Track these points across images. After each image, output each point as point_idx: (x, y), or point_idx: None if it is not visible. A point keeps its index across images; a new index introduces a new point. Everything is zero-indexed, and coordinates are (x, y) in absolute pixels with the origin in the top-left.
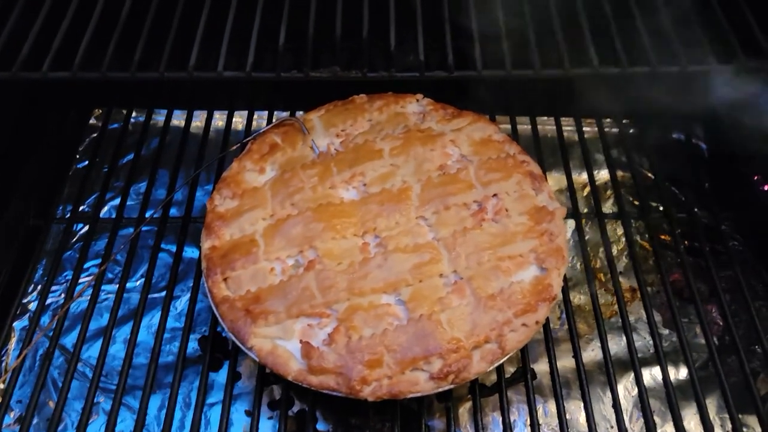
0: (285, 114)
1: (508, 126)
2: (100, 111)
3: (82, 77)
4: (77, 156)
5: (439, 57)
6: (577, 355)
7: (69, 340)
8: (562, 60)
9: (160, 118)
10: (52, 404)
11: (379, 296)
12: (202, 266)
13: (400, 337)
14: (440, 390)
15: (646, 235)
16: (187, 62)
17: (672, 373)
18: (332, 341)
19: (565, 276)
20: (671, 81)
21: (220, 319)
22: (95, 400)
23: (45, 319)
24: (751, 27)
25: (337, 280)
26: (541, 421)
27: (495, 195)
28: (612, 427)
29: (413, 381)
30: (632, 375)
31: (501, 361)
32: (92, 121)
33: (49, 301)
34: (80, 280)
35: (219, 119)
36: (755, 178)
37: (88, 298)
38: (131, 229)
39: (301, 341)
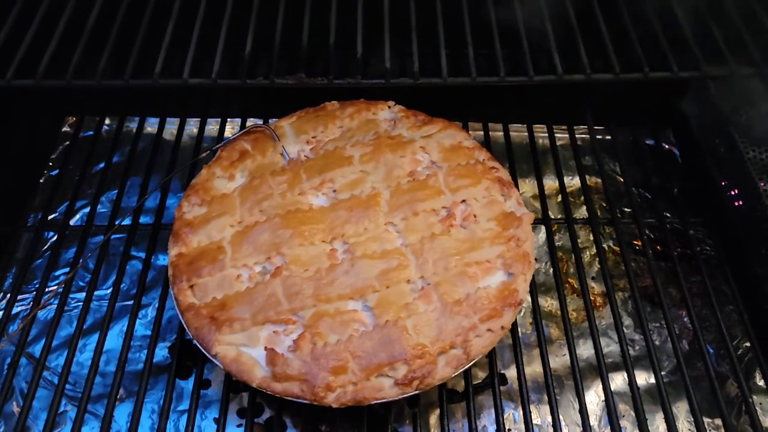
0: (258, 121)
1: (482, 133)
2: (74, 119)
3: (47, 85)
4: (49, 164)
5: (413, 64)
6: (544, 360)
7: (39, 348)
8: (527, 68)
9: (133, 125)
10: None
11: (345, 302)
12: (169, 273)
13: (366, 344)
14: (405, 396)
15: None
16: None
17: (644, 377)
18: (297, 348)
19: (535, 281)
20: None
21: (185, 327)
22: (63, 409)
23: (13, 328)
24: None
25: (304, 287)
26: (512, 427)
27: (463, 201)
28: None
29: (378, 387)
30: None
31: (466, 367)
32: (65, 128)
33: (18, 309)
34: (50, 288)
35: (194, 126)
36: (723, 183)
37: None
38: (102, 237)
39: (266, 348)
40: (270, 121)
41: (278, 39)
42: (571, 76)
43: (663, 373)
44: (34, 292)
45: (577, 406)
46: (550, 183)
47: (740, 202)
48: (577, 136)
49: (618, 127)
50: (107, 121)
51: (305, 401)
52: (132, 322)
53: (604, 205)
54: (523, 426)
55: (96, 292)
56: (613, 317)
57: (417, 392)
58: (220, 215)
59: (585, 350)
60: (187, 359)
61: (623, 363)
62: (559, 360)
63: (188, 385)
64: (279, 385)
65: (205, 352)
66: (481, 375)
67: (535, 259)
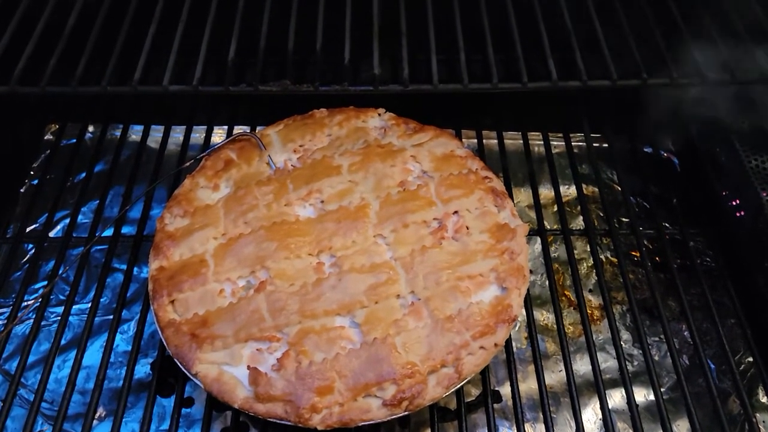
0: (246, 128)
1: (475, 141)
2: (56, 126)
3: (21, 92)
4: (31, 173)
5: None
6: (540, 378)
7: (15, 365)
8: (521, 74)
9: (117, 132)
10: None
11: (332, 319)
12: (149, 288)
13: (353, 362)
14: (393, 417)
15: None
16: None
17: (643, 394)
18: (281, 366)
19: (530, 294)
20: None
21: (165, 344)
22: (39, 429)
23: None
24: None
25: (289, 302)
26: None
27: (456, 212)
28: None
29: (365, 408)
30: None
31: (458, 386)
32: (48, 136)
33: None
34: (27, 302)
35: (180, 134)
36: (723, 193)
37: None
38: (83, 249)
39: (248, 367)
40: (257, 128)
41: (263, 44)
42: (566, 83)
43: (663, 389)
44: (11, 306)
45: (573, 424)
46: (546, 192)
47: (742, 213)
48: (573, 143)
49: (615, 135)
50: (90, 129)
51: (289, 423)
52: (112, 338)
53: (601, 214)
54: None
55: (75, 306)
56: (610, 331)
57: (406, 413)
58: (203, 227)
59: (582, 366)
60: (169, 376)
61: (621, 379)
62: (555, 376)
63: (170, 403)
64: (262, 407)
65: (185, 371)
66: (474, 392)
67: (531, 271)
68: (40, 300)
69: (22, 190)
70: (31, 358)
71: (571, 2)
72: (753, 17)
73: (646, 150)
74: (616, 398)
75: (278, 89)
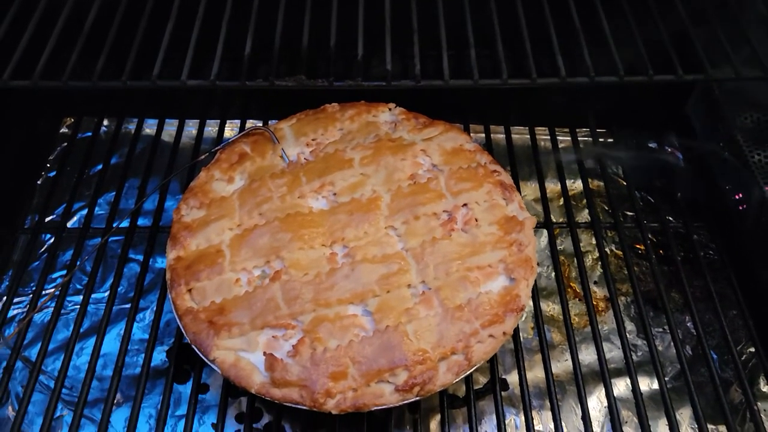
0: (258, 123)
1: (483, 135)
2: (72, 120)
3: (43, 86)
4: (47, 165)
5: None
6: (546, 366)
7: (35, 352)
8: (530, 70)
9: (132, 126)
10: None
11: (345, 307)
12: (167, 277)
13: (366, 349)
14: (405, 402)
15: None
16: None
17: (647, 383)
18: (297, 353)
19: (537, 286)
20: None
21: (183, 331)
22: (59, 414)
23: (9, 331)
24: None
25: (303, 291)
26: None
27: (465, 205)
28: None
29: (378, 393)
30: None
31: (467, 373)
32: (64, 129)
33: (14, 312)
34: (46, 291)
35: (194, 127)
36: (727, 187)
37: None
38: (100, 239)
39: (265, 353)
40: (270, 122)
41: (278, 40)
42: (574, 79)
43: (666, 378)
44: (31, 295)
45: (579, 412)
46: (552, 186)
47: (744, 207)
48: (579, 138)
49: (620, 130)
50: (105, 122)
51: (305, 407)
52: (129, 326)
53: (607, 208)
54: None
55: (93, 295)
56: (615, 322)
57: (418, 398)
58: (219, 218)
59: (587, 355)
60: (185, 363)
61: (626, 368)
62: (561, 365)
63: (186, 389)
64: (278, 391)
65: (203, 357)
66: (482, 380)
67: (537, 264)
68: (59, 289)
69: (39, 182)
70: (50, 346)
71: None
72: (756, 12)
73: (650, 145)
74: (620, 387)
75: (294, 84)
